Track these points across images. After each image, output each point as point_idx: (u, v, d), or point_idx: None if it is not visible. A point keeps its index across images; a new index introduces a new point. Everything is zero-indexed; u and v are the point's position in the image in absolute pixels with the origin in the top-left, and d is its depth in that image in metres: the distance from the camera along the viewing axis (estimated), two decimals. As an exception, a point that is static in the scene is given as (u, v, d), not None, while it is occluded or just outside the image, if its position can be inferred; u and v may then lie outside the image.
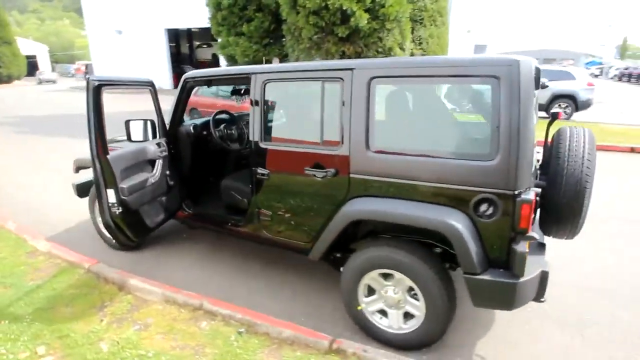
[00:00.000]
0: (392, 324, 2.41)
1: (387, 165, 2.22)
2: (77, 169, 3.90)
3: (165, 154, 3.13)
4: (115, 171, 2.59)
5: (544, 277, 2.06)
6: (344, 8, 9.36)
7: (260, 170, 2.69)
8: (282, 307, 2.85)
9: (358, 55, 10.82)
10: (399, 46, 11.12)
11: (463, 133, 2.26)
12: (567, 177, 2.12)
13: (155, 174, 3.02)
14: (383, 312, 2.46)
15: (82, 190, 3.94)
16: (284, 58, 12.92)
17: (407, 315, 2.39)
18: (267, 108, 2.64)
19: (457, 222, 2.01)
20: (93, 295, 3.01)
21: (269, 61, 12.87)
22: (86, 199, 3.87)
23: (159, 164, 3.07)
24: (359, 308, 2.47)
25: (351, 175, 2.34)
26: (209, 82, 3.35)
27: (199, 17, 21.71)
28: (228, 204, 3.26)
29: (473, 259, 2.02)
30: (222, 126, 3.69)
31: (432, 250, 2.34)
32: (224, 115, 3.92)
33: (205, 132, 3.56)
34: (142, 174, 2.93)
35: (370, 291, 2.47)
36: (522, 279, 1.98)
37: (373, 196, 2.30)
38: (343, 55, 10.79)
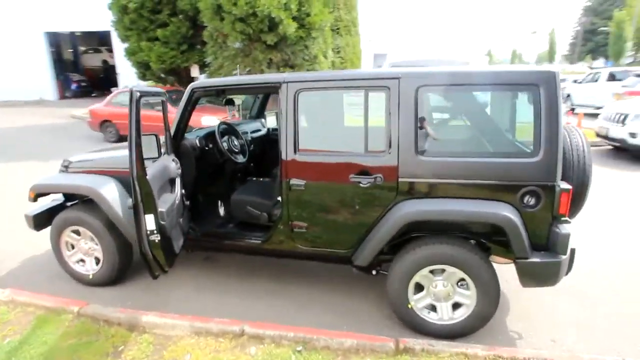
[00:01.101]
0: (443, 316, 2.57)
1: (437, 167, 2.38)
2: (37, 196, 3.28)
3: (180, 171, 2.84)
4: (155, 194, 2.28)
5: (573, 254, 2.42)
6: (273, 16, 9.35)
7: (294, 182, 2.62)
8: (318, 320, 2.81)
9: (285, 63, 10.92)
10: (322, 54, 11.50)
11: (506, 134, 2.54)
12: (574, 169, 2.51)
13: (177, 193, 2.72)
14: (431, 307, 2.60)
15: (39, 221, 3.34)
16: (204, 65, 12.38)
17: (456, 306, 2.57)
18: (300, 118, 2.59)
19: (510, 214, 2.26)
20: (99, 342, 2.58)
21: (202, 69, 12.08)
22: (42, 232, 3.29)
23: (177, 182, 2.77)
24: (410, 306, 2.57)
25: (400, 180, 2.44)
26: (221, 92, 3.12)
27: (83, 19, 19.50)
28: (242, 220, 3.08)
29: (525, 245, 2.28)
30: (226, 138, 3.46)
31: (472, 243, 2.56)
32: (225, 127, 3.67)
33: (210, 145, 3.31)
34: (168, 194, 2.62)
35: (418, 288, 2.59)
36: (564, 257, 2.30)
37: (420, 198, 2.44)
38: (270, 63, 10.78)
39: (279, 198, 2.79)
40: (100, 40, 24.30)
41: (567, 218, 2.33)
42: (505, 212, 2.26)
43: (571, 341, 2.56)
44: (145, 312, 2.76)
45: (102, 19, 17.24)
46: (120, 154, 3.23)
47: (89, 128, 10.52)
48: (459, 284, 2.52)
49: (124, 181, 3.10)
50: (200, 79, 12.39)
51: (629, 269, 3.46)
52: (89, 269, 3.31)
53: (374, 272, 2.87)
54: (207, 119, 9.30)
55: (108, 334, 2.63)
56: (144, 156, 2.69)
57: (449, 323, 2.56)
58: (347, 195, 2.56)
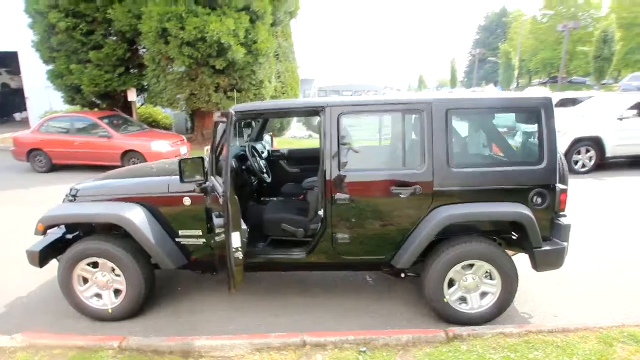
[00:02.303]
0: (473, 305, 2.96)
1: (466, 177, 2.82)
2: (47, 228, 3.03)
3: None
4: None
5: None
6: (222, 41, 9.46)
7: (339, 197, 2.86)
8: (358, 324, 3.03)
9: (233, 87, 11.00)
10: (268, 79, 11.81)
11: (520, 147, 3.07)
12: (560, 174, 3.14)
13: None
14: (462, 299, 2.99)
15: (44, 257, 3.09)
16: (142, 89, 11.87)
17: (482, 296, 2.99)
18: (342, 139, 2.86)
19: (528, 212, 2.77)
20: (156, 373, 2.50)
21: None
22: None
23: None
24: (445, 300, 2.93)
25: (435, 189, 2.83)
26: (260, 115, 3.22)
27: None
28: (276, 237, 3.19)
29: (539, 237, 2.80)
30: (254, 159, 3.54)
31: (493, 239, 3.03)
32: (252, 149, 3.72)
33: (244, 167, 3.36)
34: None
35: (450, 284, 2.96)
36: (566, 244, 2.87)
37: (453, 204, 2.85)
38: (218, 87, 10.77)
39: (320, 213, 2.99)
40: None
41: (564, 212, 2.91)
42: (524, 210, 2.76)
43: (570, 314, 3.12)
44: (196, 337, 2.72)
45: (3, 39, 15.62)
46: (147, 180, 3.16)
47: (13, 158, 9.38)
48: (485, 276, 2.95)
49: (148, 207, 3.05)
50: (136, 100, 11.81)
51: (605, 250, 4.21)
52: (107, 303, 3.12)
53: (402, 276, 3.20)
54: (156, 144, 8.96)
55: (163, 365, 2.55)
56: (191, 179, 2.74)
57: (478, 311, 2.96)
58: (389, 206, 2.87)
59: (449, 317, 2.97)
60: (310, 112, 2.93)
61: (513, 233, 3.10)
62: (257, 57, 10.76)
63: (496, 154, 3.00)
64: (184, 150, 9.67)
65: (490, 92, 3.76)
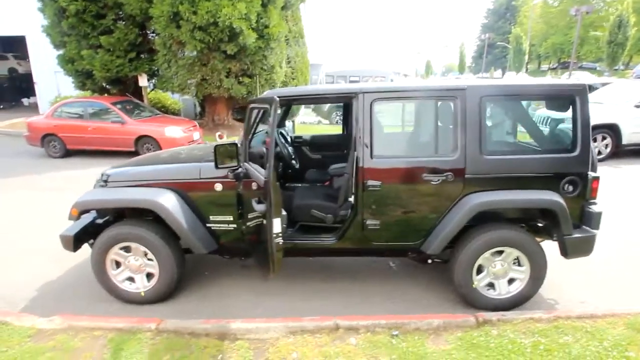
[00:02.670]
0: (501, 291, 3.00)
1: (499, 164, 2.82)
2: (81, 213, 3.08)
3: None
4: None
5: None
6: (234, 26, 9.36)
7: (370, 183, 2.87)
8: (384, 309, 3.08)
9: (244, 72, 10.93)
10: (279, 64, 11.72)
11: (553, 134, 3.06)
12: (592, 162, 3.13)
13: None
14: (490, 285, 3.02)
15: (78, 241, 3.15)
16: (153, 74, 11.82)
17: (510, 281, 3.02)
18: (375, 125, 2.85)
19: (560, 200, 2.77)
20: (194, 354, 2.56)
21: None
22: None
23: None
24: (474, 286, 2.97)
25: (466, 176, 2.83)
26: (299, 100, 3.22)
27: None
28: (305, 222, 3.23)
29: (570, 224, 2.81)
30: (283, 146, 3.55)
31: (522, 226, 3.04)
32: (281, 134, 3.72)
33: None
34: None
35: (478, 270, 2.99)
36: (597, 231, 2.88)
37: (484, 191, 2.85)
38: (229, 72, 10.71)
39: (350, 199, 3.01)
40: (4, 47, 21.54)
41: (595, 200, 2.91)
42: (555, 198, 2.77)
43: (596, 301, 3.15)
44: (232, 320, 2.79)
45: (10, 23, 15.55)
46: (178, 166, 3.19)
47: (26, 143, 9.44)
48: (514, 262, 2.97)
49: (179, 192, 3.08)
50: (146, 85, 11.78)
51: (627, 237, 4.22)
52: (140, 286, 3.18)
53: (429, 261, 3.24)
54: (170, 130, 8.97)
55: (200, 346, 2.62)
56: (225, 165, 2.77)
57: (506, 297, 3.00)
58: (420, 193, 2.88)
59: (476, 303, 3.01)
60: (343, 98, 2.92)
61: (539, 220, 3.11)
62: (269, 42, 10.67)
63: (528, 140, 2.99)
64: (197, 136, 9.69)
65: (523, 79, 3.71)
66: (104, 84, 11.58)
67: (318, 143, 4.43)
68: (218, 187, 3.02)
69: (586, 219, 2.91)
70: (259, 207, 2.37)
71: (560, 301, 3.19)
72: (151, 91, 13.33)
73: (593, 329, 2.66)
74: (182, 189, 3.09)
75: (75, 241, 3.11)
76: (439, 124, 2.81)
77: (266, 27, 10.45)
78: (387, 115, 3.07)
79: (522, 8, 55.54)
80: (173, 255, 3.08)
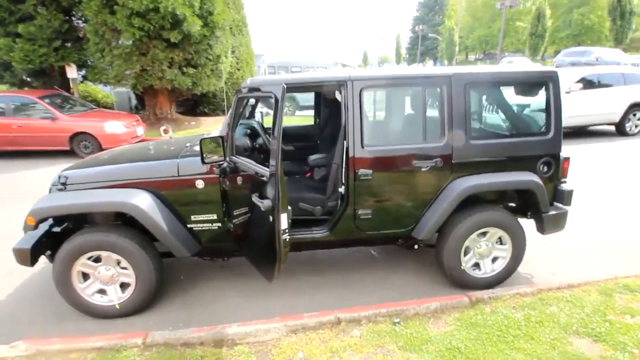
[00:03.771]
0: (486, 270, 3.13)
1: (483, 148, 2.91)
2: (39, 222, 2.69)
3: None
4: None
5: None
6: (177, 12, 8.79)
7: (362, 172, 2.82)
8: (381, 295, 3.09)
9: (188, 62, 10.35)
10: (224, 54, 11.26)
11: (528, 118, 3.19)
12: None
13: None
14: (476, 265, 3.14)
15: (35, 253, 2.77)
16: (82, 64, 10.76)
17: (494, 260, 3.16)
18: (364, 114, 2.80)
19: (538, 180, 2.93)
20: (192, 365, 2.37)
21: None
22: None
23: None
24: (462, 267, 3.06)
25: (453, 161, 2.89)
26: (295, 89, 3.00)
27: None
28: (293, 216, 3.09)
29: (547, 203, 3.00)
30: (266, 137, 3.34)
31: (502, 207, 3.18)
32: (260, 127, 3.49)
33: (257, 145, 3.17)
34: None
35: (465, 251, 3.09)
36: (569, 207, 3.10)
37: (470, 175, 2.94)
38: (172, 62, 10.07)
39: (340, 189, 2.95)
40: None
41: (565, 179, 3.13)
42: (535, 179, 2.93)
43: (565, 272, 3.41)
44: (227, 325, 2.61)
45: None
46: (152, 163, 2.90)
47: None
48: (496, 241, 3.11)
49: (153, 192, 2.82)
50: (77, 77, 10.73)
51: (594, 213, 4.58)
52: (113, 298, 2.87)
53: (415, 247, 3.29)
54: (110, 125, 8.26)
55: (196, 356, 2.42)
56: (212, 159, 2.57)
57: (491, 274, 3.13)
58: (410, 180, 2.89)
59: (465, 283, 3.11)
60: (332, 86, 2.82)
61: (514, 200, 3.28)
62: (214, 30, 10.18)
63: (506, 125, 3.12)
64: (141, 131, 9.03)
65: (504, 66, 3.83)
66: (24, 77, 10.32)
67: (290, 134, 4.30)
68: (199, 184, 2.79)
69: (559, 196, 3.11)
70: (266, 203, 2.22)
71: (535, 275, 3.40)
72: (80, 83, 12.14)
73: (572, 297, 2.88)
74: (157, 189, 2.81)
75: (33, 254, 2.72)
76: (427, 110, 2.83)
77: (210, 14, 9.95)
78: (375, 103, 3.03)
79: (450, 1, 58.69)
80: (151, 261, 2.81)
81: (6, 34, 9.34)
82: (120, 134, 8.27)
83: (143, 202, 2.70)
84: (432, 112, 2.87)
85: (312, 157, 3.50)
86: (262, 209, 2.23)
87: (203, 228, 2.90)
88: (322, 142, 4.10)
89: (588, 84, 8.86)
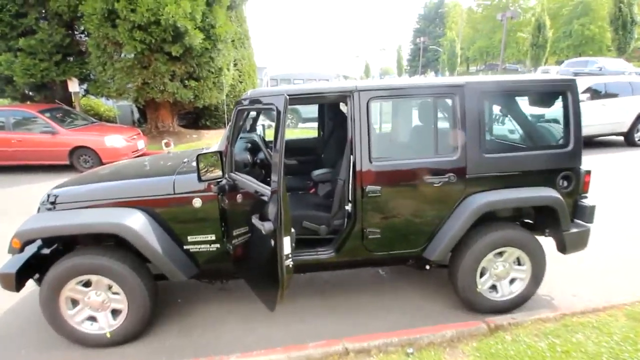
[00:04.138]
0: (504, 292, 2.92)
1: (498, 162, 2.73)
2: (25, 244, 2.51)
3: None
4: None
5: None
6: (178, 25, 8.73)
7: (370, 188, 2.64)
8: (392, 320, 2.88)
9: (190, 75, 10.29)
10: (226, 67, 11.21)
11: (545, 130, 3.02)
12: None
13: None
14: (493, 287, 2.93)
15: (21, 278, 2.59)
16: (84, 78, 10.72)
17: (512, 281, 2.95)
18: (372, 126, 2.63)
19: (559, 196, 2.74)
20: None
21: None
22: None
23: None
24: (478, 290, 2.85)
25: (467, 176, 2.71)
26: (299, 100, 2.85)
27: None
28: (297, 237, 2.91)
29: (568, 220, 2.80)
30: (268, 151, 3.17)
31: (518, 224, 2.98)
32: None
33: (258, 161, 3.00)
34: None
35: (481, 273, 2.89)
36: (591, 225, 2.90)
37: (485, 190, 2.75)
38: (174, 75, 10.00)
39: (347, 207, 2.76)
40: None
41: (586, 194, 2.93)
42: (555, 194, 2.74)
43: (587, 293, 3.19)
44: (225, 356, 2.41)
45: None
46: (147, 180, 2.73)
47: None
48: (515, 262, 2.91)
49: (148, 211, 2.65)
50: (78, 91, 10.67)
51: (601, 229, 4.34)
52: (104, 326, 2.67)
53: (427, 267, 3.09)
54: (111, 139, 8.14)
55: (191, 392, 2.22)
56: (210, 177, 2.41)
57: (509, 297, 2.92)
58: (422, 196, 2.71)
59: (481, 307, 2.90)
60: (338, 97, 2.66)
61: (532, 218, 3.09)
62: (216, 43, 10.12)
63: (522, 137, 2.94)
64: (141, 145, 8.91)
65: (518, 75, 3.63)
66: (26, 91, 10.28)
67: (292, 148, 4.13)
68: (197, 202, 2.62)
69: (580, 213, 2.92)
70: (267, 226, 2.03)
71: (554, 296, 3.18)
72: (83, 97, 12.10)
73: (599, 323, 2.65)
74: (151, 207, 2.64)
75: (18, 279, 2.54)
76: (438, 122, 2.66)
77: (212, 27, 9.90)
78: (383, 114, 2.87)
79: (450, 14, 59.21)
80: (144, 285, 2.62)
81: (8, 49, 9.31)
82: (121, 147, 8.15)
83: (136, 223, 2.52)
84: (444, 124, 2.70)
85: (316, 172, 3.33)
86: (263, 232, 2.05)
87: (200, 249, 2.71)
88: (326, 156, 3.94)
89: (595, 93, 8.71)
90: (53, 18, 9.53)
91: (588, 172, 2.86)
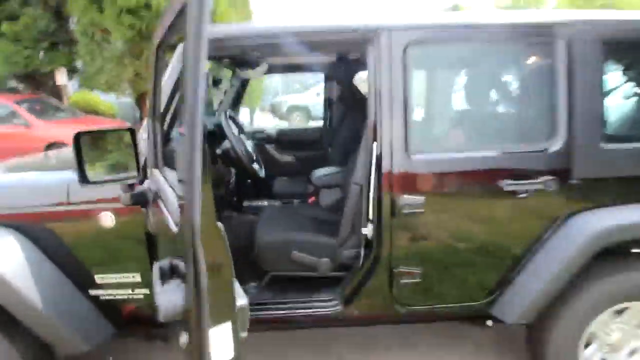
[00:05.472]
0: (621, 376, 1.76)
1: (628, 158, 1.59)
2: None
3: None
4: None
5: None
6: (173, 8, 7.75)
7: (406, 199, 1.52)
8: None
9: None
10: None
11: None
12: None
13: None
14: (600, 363, 1.78)
15: None
16: (73, 69, 9.87)
17: (631, 354, 1.80)
18: (413, 95, 1.51)
19: None
20: None
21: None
22: None
23: None
24: (577, 370, 1.71)
25: (574, 180, 1.57)
26: (259, 48, 1.79)
27: None
28: (281, 274, 1.81)
29: None
30: (237, 139, 2.08)
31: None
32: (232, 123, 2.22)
33: (218, 151, 1.92)
34: None
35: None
36: None
37: (601, 205, 1.61)
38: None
39: (365, 230, 1.65)
40: None
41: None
42: None
43: None
44: None
45: None
46: (25, 181, 1.66)
47: None
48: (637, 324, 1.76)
49: (28, 233, 1.56)
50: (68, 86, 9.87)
51: None
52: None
53: (489, 324, 1.94)
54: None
55: None
56: (101, 178, 1.32)
57: (628, 386, 1.77)
58: (494, 214, 1.59)
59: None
60: (348, 44, 1.56)
61: None
62: (217, 29, 9.15)
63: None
64: (130, 142, 7.93)
65: None
66: (15, 83, 9.50)
67: (289, 139, 3.03)
68: (106, 218, 1.53)
69: None
70: (182, 269, 0.89)
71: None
72: (78, 92, 11.26)
73: None
74: (35, 225, 1.56)
75: None
76: (526, 89, 1.55)
77: (212, 13, 8.93)
78: (428, 76, 1.73)
79: (467, 17, 58.09)
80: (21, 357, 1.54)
81: (-11, 35, 8.49)
82: (103, 144, 7.18)
83: (6, 261, 1.44)
84: (535, 92, 1.57)
85: (318, 173, 2.24)
86: (161, 319, 0.91)
87: (117, 297, 1.62)
88: (334, 150, 2.82)
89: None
90: (39, 3, 8.68)
91: None
